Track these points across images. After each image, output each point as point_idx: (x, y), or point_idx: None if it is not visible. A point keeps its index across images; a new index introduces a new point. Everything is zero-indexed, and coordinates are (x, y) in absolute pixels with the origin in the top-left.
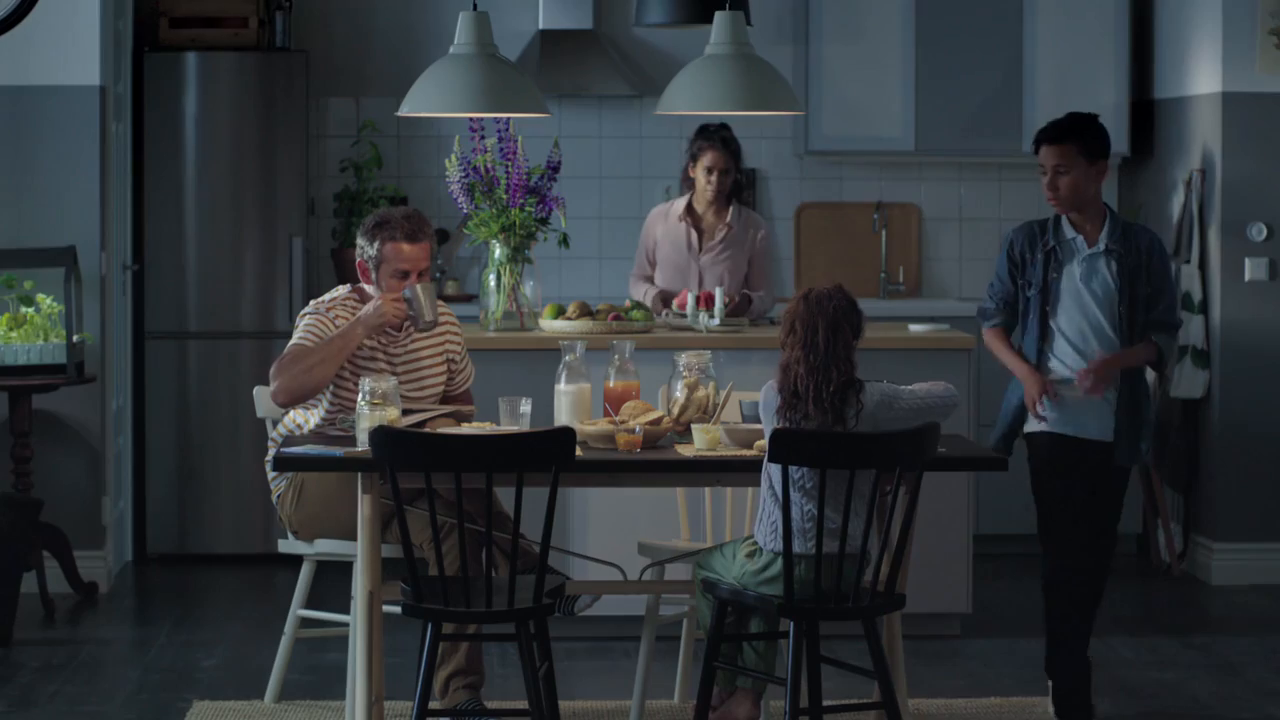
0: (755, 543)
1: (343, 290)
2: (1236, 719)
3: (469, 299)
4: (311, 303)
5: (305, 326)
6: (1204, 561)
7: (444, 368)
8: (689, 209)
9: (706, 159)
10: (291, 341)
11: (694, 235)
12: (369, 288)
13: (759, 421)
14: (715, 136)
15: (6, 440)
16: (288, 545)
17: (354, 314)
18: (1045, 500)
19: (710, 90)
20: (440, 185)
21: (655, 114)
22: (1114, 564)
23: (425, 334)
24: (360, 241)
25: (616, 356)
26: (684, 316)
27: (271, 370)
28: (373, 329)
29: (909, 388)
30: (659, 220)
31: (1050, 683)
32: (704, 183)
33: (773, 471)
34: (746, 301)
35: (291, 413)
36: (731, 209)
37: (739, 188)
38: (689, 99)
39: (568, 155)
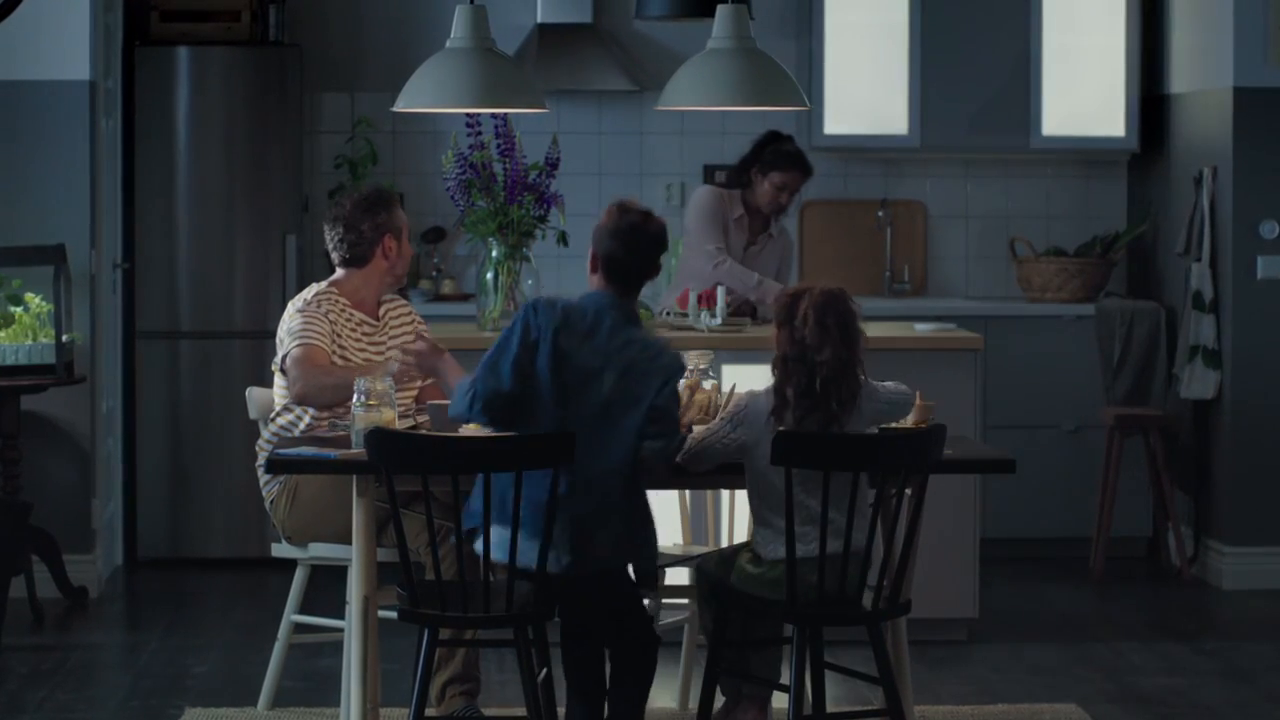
0: (753, 547)
1: (319, 286)
2: None
3: (466, 298)
4: (296, 301)
5: (304, 324)
6: (1215, 565)
7: None
8: (746, 209)
9: (785, 178)
10: (294, 341)
11: (745, 239)
12: (387, 264)
13: None
14: (800, 160)
15: None
16: (281, 549)
17: (339, 307)
18: None
19: (714, 85)
20: (436, 182)
21: (657, 109)
22: (1124, 568)
23: (400, 323)
24: (367, 225)
25: None
26: (685, 316)
27: (292, 374)
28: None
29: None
30: (729, 207)
31: None
32: (772, 196)
33: (770, 479)
34: (750, 308)
35: (284, 414)
36: (774, 221)
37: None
38: (692, 94)
39: (566, 151)
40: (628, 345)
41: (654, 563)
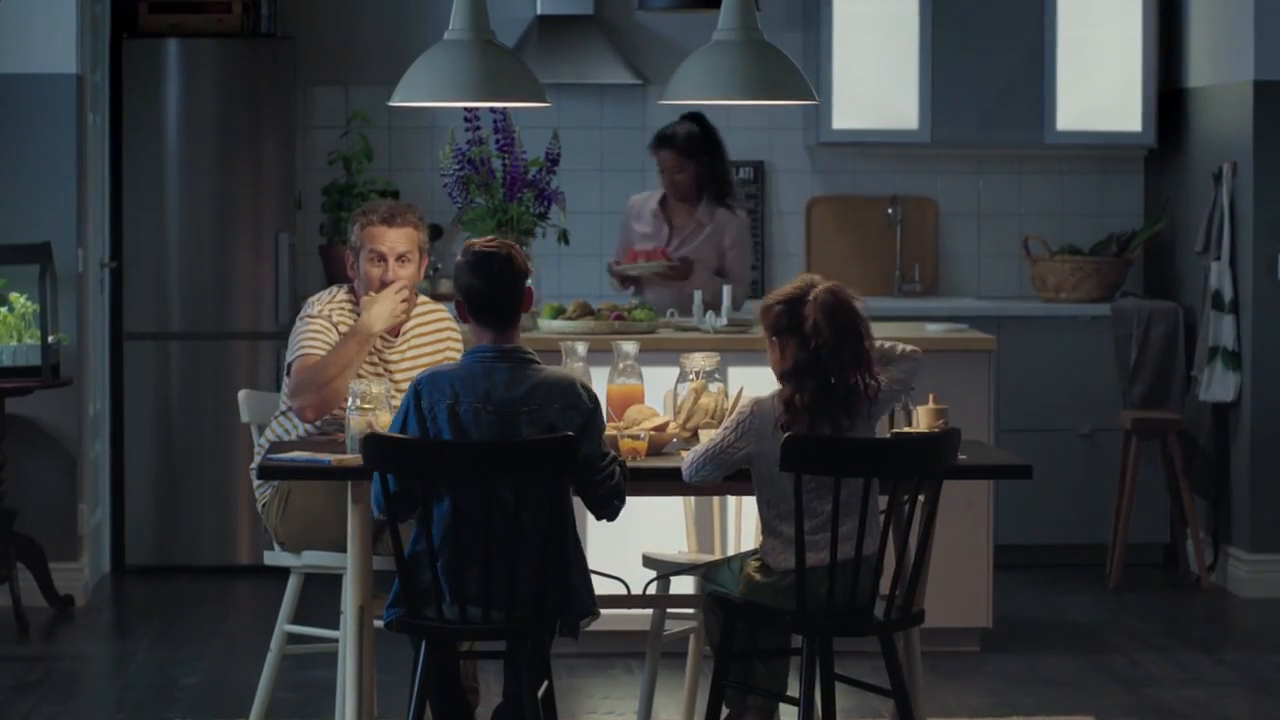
0: (761, 556)
1: (336, 290)
2: None
3: None
4: (309, 302)
5: (309, 332)
6: (1235, 573)
7: None
8: (663, 202)
9: (658, 160)
10: (296, 350)
11: (665, 229)
12: (355, 282)
13: None
14: (667, 134)
15: None
16: (274, 557)
17: (353, 314)
18: None
19: (720, 78)
20: (433, 178)
21: (661, 103)
22: (1141, 576)
23: (425, 340)
24: (348, 233)
25: (619, 358)
26: (682, 316)
27: (289, 388)
28: (386, 327)
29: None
30: (638, 211)
31: None
32: (662, 180)
33: (779, 487)
34: (689, 266)
35: (285, 418)
36: (702, 205)
37: (716, 184)
38: (697, 87)
39: (567, 147)
40: (533, 391)
41: (577, 617)
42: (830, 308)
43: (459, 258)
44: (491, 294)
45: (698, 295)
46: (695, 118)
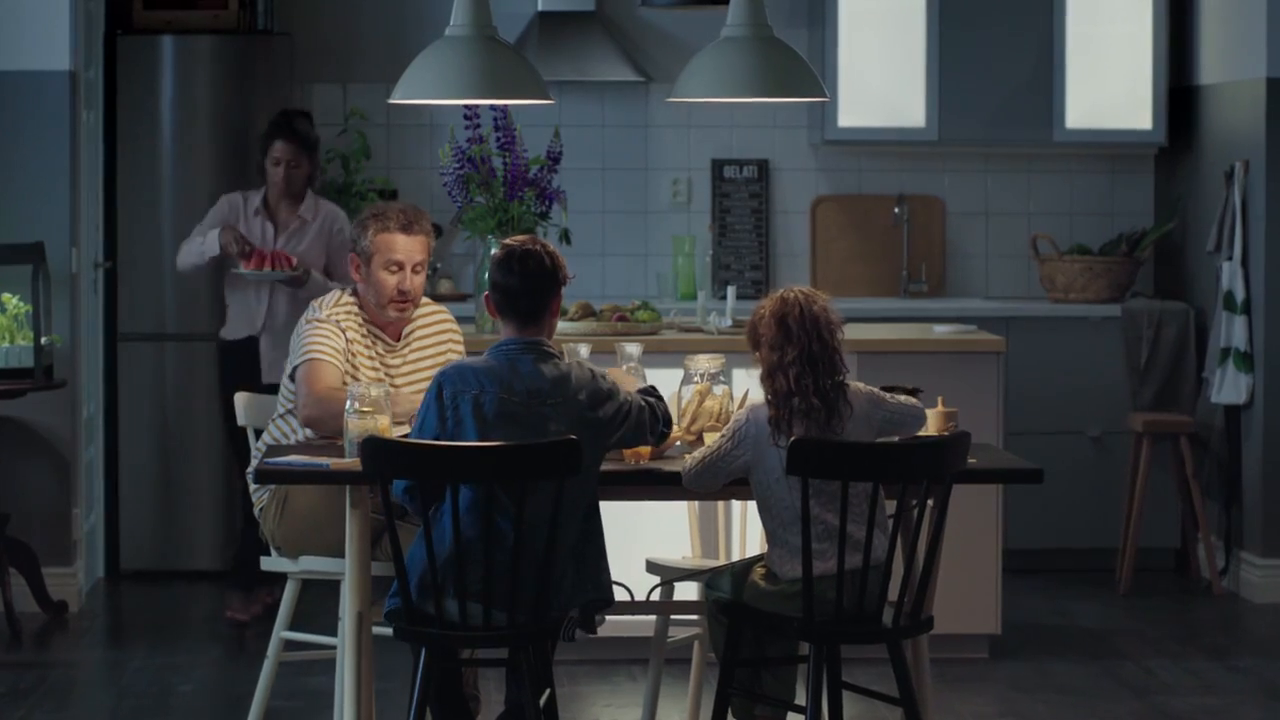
0: (767, 564)
1: (340, 293)
2: None
3: (464, 298)
4: (313, 306)
5: (317, 336)
6: (1247, 578)
7: None
8: (265, 202)
9: (276, 150)
10: (302, 354)
11: (270, 229)
12: (360, 286)
13: None
14: (287, 126)
15: None
16: (271, 562)
17: (358, 320)
18: None
19: (730, 76)
20: (433, 177)
21: (667, 101)
22: (1151, 581)
23: (426, 344)
24: (353, 234)
25: (622, 360)
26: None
27: (301, 394)
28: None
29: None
30: (236, 212)
31: None
32: (272, 173)
33: (779, 495)
34: (307, 274)
35: (283, 421)
36: (306, 201)
37: (314, 180)
38: (707, 85)
39: (569, 145)
40: (559, 382)
41: (605, 606)
42: (778, 308)
43: (495, 252)
44: (518, 290)
45: (702, 295)
46: (304, 115)
